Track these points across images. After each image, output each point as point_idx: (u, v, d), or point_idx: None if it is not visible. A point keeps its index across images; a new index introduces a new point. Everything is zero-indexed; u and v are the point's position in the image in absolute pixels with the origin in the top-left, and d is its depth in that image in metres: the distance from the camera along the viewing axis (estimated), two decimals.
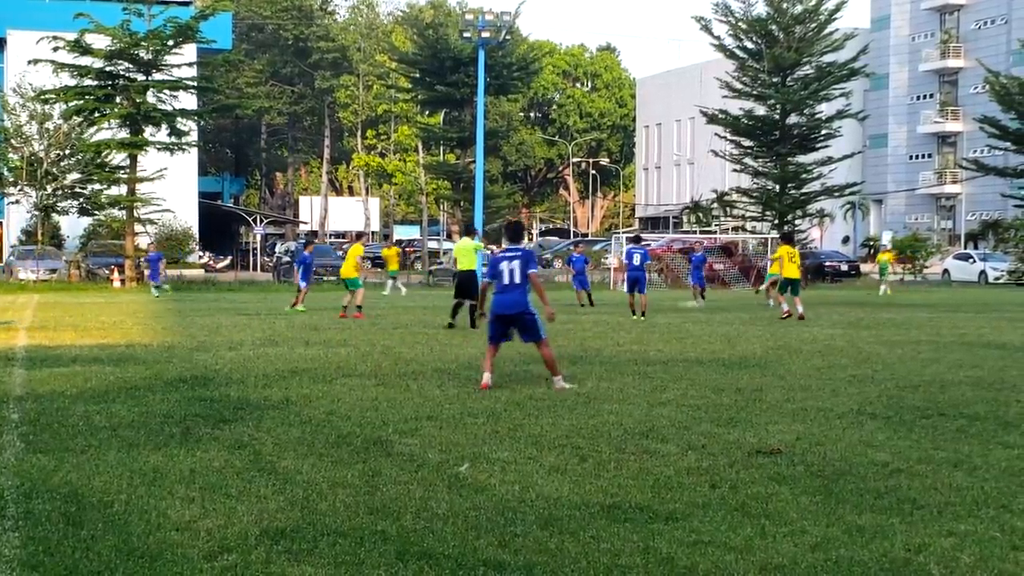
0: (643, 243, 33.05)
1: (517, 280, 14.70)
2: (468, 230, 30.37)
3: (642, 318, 29.11)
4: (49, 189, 58.69)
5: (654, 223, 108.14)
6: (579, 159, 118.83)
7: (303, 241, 46.20)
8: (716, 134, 67.94)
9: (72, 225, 66.11)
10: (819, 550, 7.02)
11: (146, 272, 47.21)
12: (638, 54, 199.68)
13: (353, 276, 29.67)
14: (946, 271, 67.75)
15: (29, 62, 55.29)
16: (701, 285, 39.55)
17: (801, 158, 64.00)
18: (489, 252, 35.98)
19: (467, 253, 27.01)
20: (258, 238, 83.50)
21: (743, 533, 7.39)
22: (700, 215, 72.35)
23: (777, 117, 63.57)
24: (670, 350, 20.20)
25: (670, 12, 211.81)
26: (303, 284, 32.83)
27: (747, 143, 65.13)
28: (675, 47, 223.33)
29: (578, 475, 9.15)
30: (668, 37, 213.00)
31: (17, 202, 60.80)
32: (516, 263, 14.75)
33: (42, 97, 56.77)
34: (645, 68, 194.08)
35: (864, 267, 69.99)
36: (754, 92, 64.09)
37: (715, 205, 68.71)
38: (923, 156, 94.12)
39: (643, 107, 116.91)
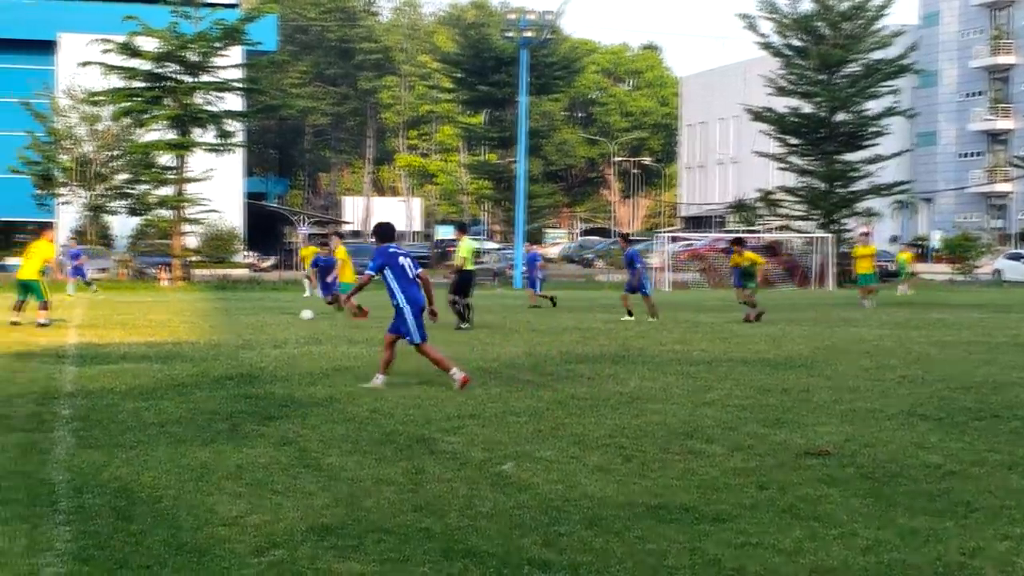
0: (633, 243, 32.94)
1: (413, 275, 14.70)
2: (464, 228, 29.85)
3: (653, 319, 28.31)
4: (99, 189, 59.25)
5: (697, 222, 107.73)
6: (621, 158, 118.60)
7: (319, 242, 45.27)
8: (761, 132, 67.63)
9: (121, 225, 66.61)
10: (871, 553, 6.96)
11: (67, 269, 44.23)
12: (681, 52, 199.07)
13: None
14: (997, 271, 67.06)
15: (79, 64, 55.74)
16: (740, 285, 39.05)
17: (848, 156, 63.55)
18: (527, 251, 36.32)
19: (471, 252, 26.90)
20: (302, 238, 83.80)
21: (792, 535, 7.34)
22: (745, 214, 72.03)
23: (824, 115, 63.17)
24: (714, 350, 20.11)
25: (714, 10, 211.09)
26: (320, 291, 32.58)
27: (793, 141, 64.75)
28: (719, 45, 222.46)
29: (623, 475, 9.14)
30: (712, 35, 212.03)
31: (68, 202, 61.36)
32: (410, 260, 14.85)
33: (92, 99, 57.27)
34: (688, 66, 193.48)
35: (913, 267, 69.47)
36: (800, 90, 63.69)
37: (760, 204, 68.39)
38: (973, 154, 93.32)
39: (686, 105, 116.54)
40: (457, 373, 14.42)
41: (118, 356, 18.27)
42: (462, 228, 29.20)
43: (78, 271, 43.13)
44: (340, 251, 30.31)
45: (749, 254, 29.45)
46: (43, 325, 24.77)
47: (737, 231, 68.04)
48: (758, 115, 64.55)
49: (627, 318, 28.29)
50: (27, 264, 25.82)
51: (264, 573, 6.46)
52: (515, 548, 6.97)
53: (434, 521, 7.60)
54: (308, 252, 43.71)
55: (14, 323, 25.09)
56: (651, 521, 7.67)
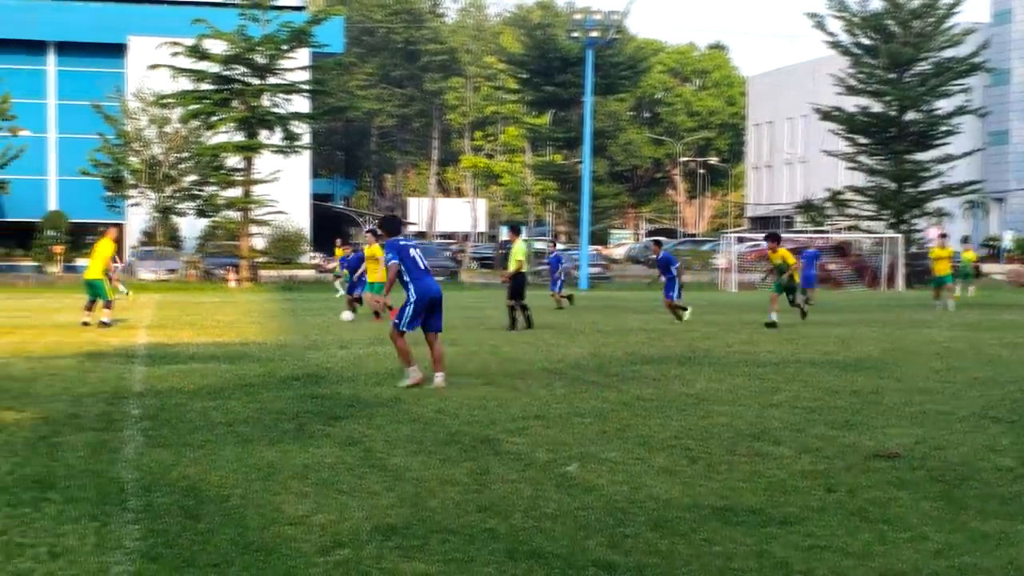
0: (664, 245, 31.97)
1: (426, 265, 14.88)
2: (518, 230, 28.41)
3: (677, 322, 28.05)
4: (168, 191, 59.85)
5: (764, 222, 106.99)
6: (687, 158, 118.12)
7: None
8: (830, 131, 67.12)
9: (190, 226, 67.26)
10: (941, 557, 6.88)
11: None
12: (749, 52, 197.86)
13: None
14: None
15: (149, 67, 56.38)
16: (808, 285, 38.45)
17: (919, 156, 62.97)
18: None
19: (526, 254, 26.56)
20: (367, 238, 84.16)
21: (861, 538, 7.27)
22: (813, 214, 71.50)
23: (894, 114, 62.64)
24: (782, 351, 19.98)
25: (782, 9, 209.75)
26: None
27: (862, 141, 64.25)
28: (787, 44, 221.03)
29: (689, 476, 9.09)
30: (780, 34, 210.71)
31: (138, 204, 62.03)
32: (420, 251, 14.99)
33: (161, 101, 57.89)
34: (756, 66, 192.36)
35: (984, 267, 68.65)
36: (870, 89, 63.16)
37: (828, 204, 67.89)
38: None
39: (754, 105, 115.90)
40: (415, 372, 14.53)
41: (187, 356, 18.44)
42: (515, 229, 28.18)
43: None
44: (374, 249, 29.61)
45: (783, 251, 27.92)
46: (105, 324, 25.03)
47: (805, 231, 67.58)
48: (827, 114, 64.10)
49: (678, 321, 28.15)
50: (91, 264, 26.11)
51: (330, 572, 6.47)
52: (580, 549, 6.95)
53: (499, 522, 7.60)
54: (340, 253, 44.00)
55: (84, 323, 25.39)
56: (718, 523, 7.62)
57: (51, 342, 21.07)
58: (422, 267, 14.72)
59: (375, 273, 27.16)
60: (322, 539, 7.13)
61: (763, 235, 38.05)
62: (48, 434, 10.76)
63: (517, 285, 25.53)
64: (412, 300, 14.59)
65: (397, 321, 14.73)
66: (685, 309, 28.57)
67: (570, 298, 35.13)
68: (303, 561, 6.65)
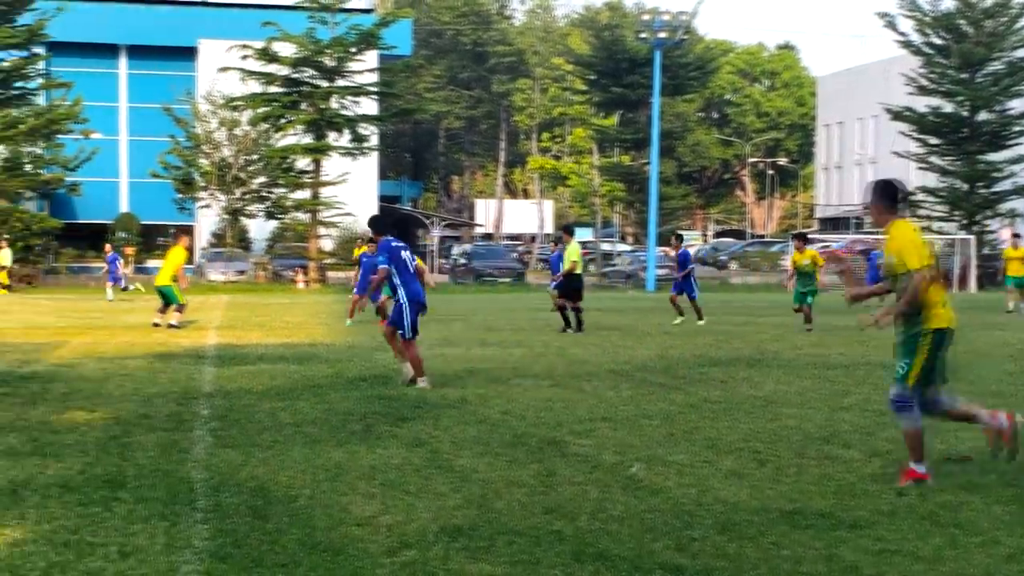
0: (685, 244, 31.00)
1: (415, 270, 14.92)
2: (571, 231, 27.51)
3: (699, 322, 27.89)
4: (237, 193, 60.37)
5: (834, 223, 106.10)
6: (756, 159, 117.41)
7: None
8: (901, 132, 66.50)
9: (259, 228, 67.73)
10: (1014, 561, 6.79)
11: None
12: (819, 52, 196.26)
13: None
14: None
15: (219, 70, 56.93)
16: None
17: (991, 156, 62.20)
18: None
19: (579, 255, 25.98)
20: (435, 241, 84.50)
21: (932, 542, 7.18)
22: None
23: (966, 114, 61.94)
24: (852, 353, 19.82)
25: (853, 8, 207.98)
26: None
27: (933, 141, 63.58)
28: (858, 44, 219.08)
29: (757, 480, 9.03)
30: (851, 34, 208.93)
31: (208, 206, 62.61)
32: (409, 252, 15.00)
33: (231, 104, 58.41)
34: (826, 66, 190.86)
35: None
36: (941, 89, 62.46)
37: (899, 205, 67.19)
38: None
39: (824, 105, 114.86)
40: (408, 371, 14.72)
41: (255, 357, 18.58)
42: (569, 231, 27.29)
43: (114, 277, 43.40)
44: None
45: (811, 252, 26.54)
46: (174, 327, 25.24)
47: (875, 233, 66.91)
48: (897, 115, 63.52)
49: (680, 319, 28.03)
50: (161, 270, 26.35)
51: (397, 573, 6.49)
52: (647, 552, 6.92)
53: (565, 524, 7.58)
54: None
55: (155, 324, 25.66)
56: (786, 527, 7.56)
57: (122, 343, 21.32)
58: (411, 270, 14.87)
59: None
60: (389, 540, 7.15)
61: (836, 237, 37.43)
62: (119, 434, 10.88)
63: (572, 287, 25.41)
64: (406, 304, 14.75)
65: (403, 332, 14.83)
66: (682, 315, 28.35)
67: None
68: (370, 562, 6.67)
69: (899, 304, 8.85)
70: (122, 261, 44.08)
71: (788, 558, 6.83)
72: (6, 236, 53.37)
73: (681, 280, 28.70)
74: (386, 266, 14.68)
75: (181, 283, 26.02)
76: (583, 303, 25.73)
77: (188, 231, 29.68)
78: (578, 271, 25.52)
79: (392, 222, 15.75)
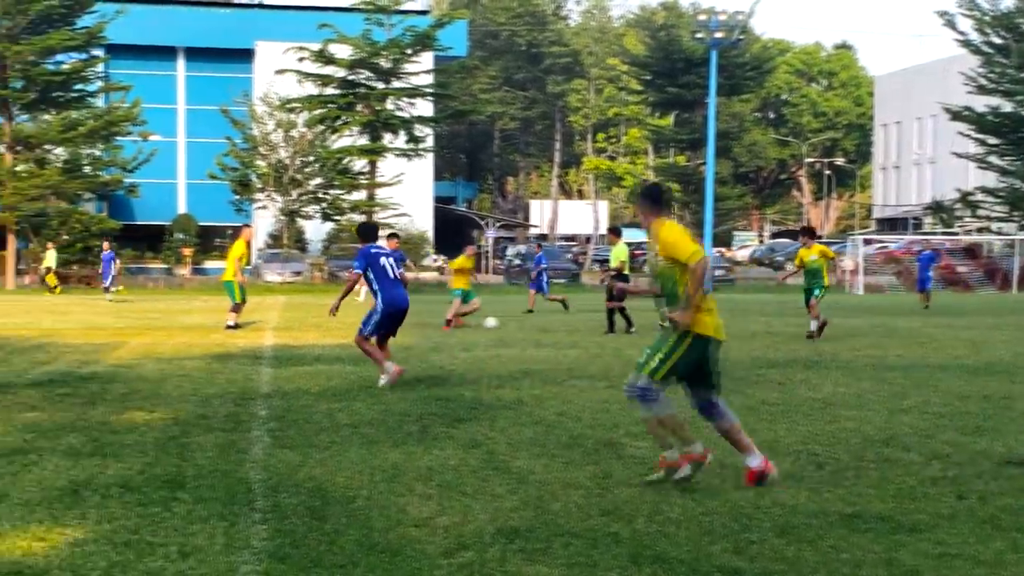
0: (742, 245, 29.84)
1: (397, 275, 15.02)
2: (618, 232, 26.62)
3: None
4: (294, 195, 60.72)
5: (892, 224, 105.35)
6: (813, 159, 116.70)
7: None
8: (960, 132, 65.93)
9: (315, 229, 68.10)
10: None
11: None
12: (876, 51, 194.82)
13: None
14: None
15: (276, 72, 57.30)
16: (923, 288, 37.69)
17: None
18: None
19: (626, 255, 25.36)
20: (490, 241, 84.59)
21: (993, 547, 7.11)
22: (942, 216, 70.24)
23: None
24: (911, 355, 19.66)
25: (911, 8, 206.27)
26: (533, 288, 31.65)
27: (993, 141, 62.98)
28: (916, 43, 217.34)
29: (815, 482, 8.97)
30: (909, 33, 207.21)
31: (264, 207, 63.02)
32: (392, 259, 15.08)
33: (288, 105, 58.77)
34: (884, 65, 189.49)
35: None
36: (1001, 88, 61.88)
37: (958, 205, 66.66)
38: None
39: (881, 105, 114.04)
40: (390, 366, 14.77)
41: (312, 358, 18.67)
42: (616, 232, 26.53)
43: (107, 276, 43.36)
44: (460, 261, 28.83)
45: (819, 247, 24.40)
46: (229, 327, 25.27)
47: (934, 234, 66.44)
48: (956, 114, 62.99)
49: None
50: (226, 265, 26.46)
51: (454, 574, 6.50)
52: (704, 555, 6.90)
53: (622, 526, 7.57)
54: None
55: (228, 326, 25.55)
56: (845, 530, 7.51)
57: (180, 343, 21.48)
58: (392, 276, 14.93)
59: (459, 281, 27.76)
60: (446, 541, 7.16)
61: (894, 238, 36.97)
62: (178, 434, 10.96)
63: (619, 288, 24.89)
64: (379, 309, 14.89)
65: (363, 327, 15.03)
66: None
67: (564, 302, 33.20)
68: (427, 563, 6.69)
69: (689, 300, 8.69)
70: (118, 262, 44.05)
71: (847, 562, 6.78)
72: (64, 237, 53.97)
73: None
74: (359, 272, 14.91)
75: (238, 278, 25.86)
76: (625, 303, 25.43)
77: (249, 226, 29.67)
78: (625, 271, 25.32)
79: (365, 231, 15.73)
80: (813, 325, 23.37)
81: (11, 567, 6.53)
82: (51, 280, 49.86)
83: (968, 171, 76.85)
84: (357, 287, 21.45)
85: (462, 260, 28.33)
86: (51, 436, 10.76)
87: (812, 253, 24.00)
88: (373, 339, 15.13)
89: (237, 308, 25.91)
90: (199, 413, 12.36)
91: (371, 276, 14.91)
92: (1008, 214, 62.28)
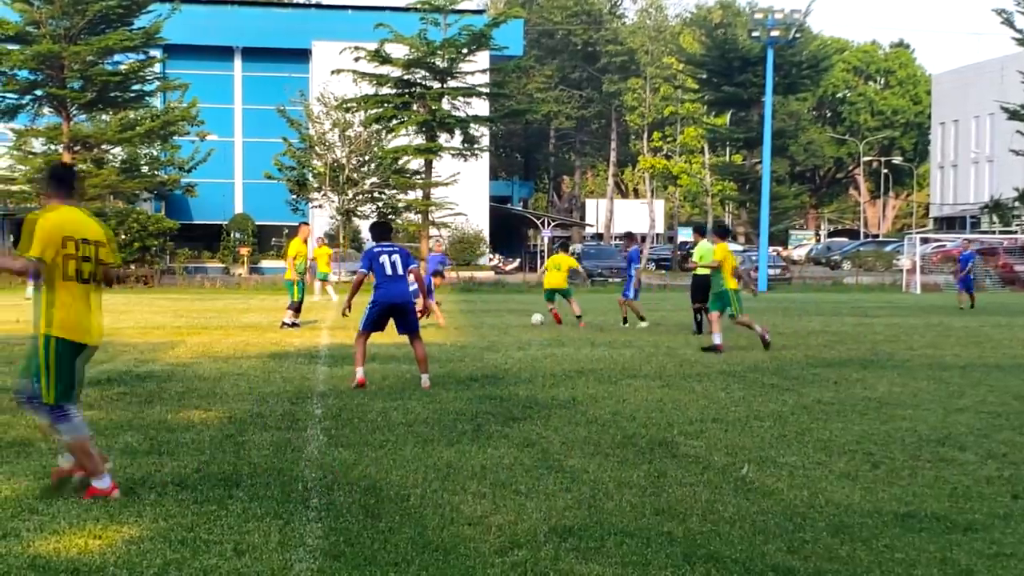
0: (634, 243, 28.55)
1: (400, 272, 14.99)
2: (702, 231, 25.35)
3: (641, 323, 26.55)
4: (350, 194, 60.93)
5: (950, 223, 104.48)
6: (870, 158, 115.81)
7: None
8: (1018, 131, 65.26)
9: None
10: None
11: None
12: (934, 49, 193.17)
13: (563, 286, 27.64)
14: None
15: (332, 72, 57.52)
16: (963, 288, 36.84)
17: None
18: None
19: (710, 255, 24.82)
20: (546, 240, 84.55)
21: None
22: (1000, 214, 69.52)
23: None
24: (967, 354, 19.50)
25: (969, 6, 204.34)
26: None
27: None
28: (974, 41, 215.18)
29: (870, 482, 8.94)
30: (967, 31, 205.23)
31: (320, 207, 63.29)
32: (397, 257, 15.06)
33: (344, 105, 58.99)
34: (941, 63, 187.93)
35: None
36: None
37: (1017, 204, 65.96)
38: None
39: (939, 103, 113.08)
40: (359, 373, 14.91)
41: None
42: (700, 231, 25.38)
43: None
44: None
45: (722, 248, 21.02)
46: (286, 325, 25.35)
47: (992, 232, 65.78)
48: (1014, 113, 62.32)
49: (625, 325, 26.65)
50: (287, 265, 26.60)
51: (507, 573, 6.53)
52: (758, 554, 6.89)
53: (675, 525, 7.57)
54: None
55: (293, 324, 25.59)
56: (899, 529, 7.48)
57: (237, 342, 21.63)
58: (389, 273, 14.99)
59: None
60: (500, 540, 7.19)
61: (951, 237, 36.37)
62: (234, 433, 11.05)
63: (703, 288, 24.39)
64: (370, 303, 15.15)
65: (363, 324, 15.35)
66: (643, 319, 26.77)
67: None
68: (481, 561, 6.72)
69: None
70: None
71: (901, 561, 6.76)
72: (121, 237, 54.33)
73: (626, 281, 27.07)
74: (363, 272, 15.09)
75: (291, 275, 25.84)
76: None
77: (307, 223, 29.71)
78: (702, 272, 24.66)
79: (376, 230, 15.78)
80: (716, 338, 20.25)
81: (68, 565, 6.62)
82: None
83: None
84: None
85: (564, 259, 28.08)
86: (108, 434, 10.87)
87: (710, 258, 21.46)
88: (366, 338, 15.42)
89: (294, 307, 25.97)
90: (255, 412, 12.46)
91: (372, 274, 15.17)
92: None
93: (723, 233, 22.61)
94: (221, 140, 67.97)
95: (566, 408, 12.79)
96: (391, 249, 15.26)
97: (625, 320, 26.85)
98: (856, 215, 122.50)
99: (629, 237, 29.12)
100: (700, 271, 23.06)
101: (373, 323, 15.19)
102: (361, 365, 15.06)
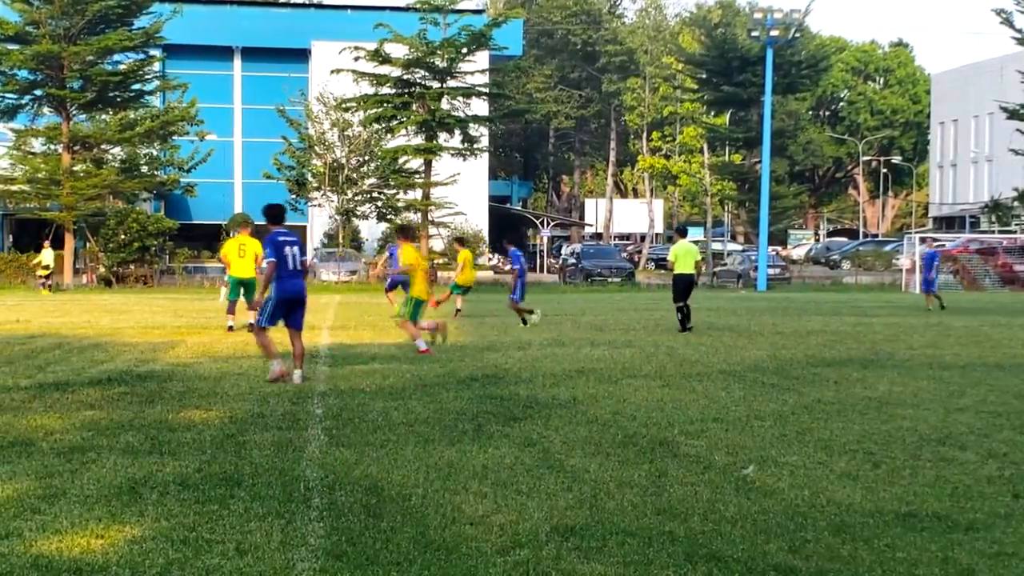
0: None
1: (299, 266, 15.03)
2: (682, 231, 26.99)
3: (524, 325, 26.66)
4: (349, 194, 60.92)
5: (949, 223, 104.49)
6: (870, 157, 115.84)
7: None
8: (1018, 130, 65.28)
9: (370, 229, 68.32)
10: None
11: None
12: (933, 49, 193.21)
13: None
14: None
15: (331, 71, 57.54)
16: (926, 290, 36.16)
17: None
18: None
19: (686, 255, 25.07)
20: (545, 240, 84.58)
21: None
22: (999, 214, 69.54)
23: None
24: (967, 354, 19.51)
25: (968, 5, 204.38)
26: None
27: None
28: (973, 41, 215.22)
29: (871, 481, 8.94)
30: (966, 31, 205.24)
31: (320, 206, 63.29)
32: (296, 249, 15.01)
33: (343, 105, 59.00)
34: (941, 63, 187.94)
35: None
36: None
37: (1016, 204, 66.00)
38: None
39: (938, 103, 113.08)
40: (276, 365, 14.98)
41: (368, 356, 18.74)
42: (683, 232, 26.83)
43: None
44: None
45: (408, 247, 20.35)
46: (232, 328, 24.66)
47: (992, 232, 65.82)
48: (1014, 113, 62.34)
49: (523, 325, 26.62)
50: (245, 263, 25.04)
51: (509, 572, 6.53)
52: (760, 554, 6.89)
53: (677, 525, 7.58)
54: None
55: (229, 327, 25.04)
56: (900, 529, 7.49)
57: (237, 342, 21.60)
58: (291, 267, 14.95)
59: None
60: (501, 539, 7.20)
61: (951, 236, 36.12)
62: (235, 432, 11.05)
63: (685, 286, 24.86)
64: (272, 296, 15.03)
65: (259, 317, 15.23)
66: (532, 312, 26.94)
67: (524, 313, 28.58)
68: (483, 561, 6.72)
69: None
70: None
71: (903, 561, 6.77)
72: (120, 237, 54.35)
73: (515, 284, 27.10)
74: (273, 260, 14.86)
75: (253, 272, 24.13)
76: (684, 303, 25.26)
77: (246, 222, 28.74)
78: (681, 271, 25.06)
79: (271, 213, 15.45)
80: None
81: (70, 564, 6.63)
82: (43, 273, 49.89)
83: None
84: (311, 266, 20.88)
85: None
86: (109, 434, 10.89)
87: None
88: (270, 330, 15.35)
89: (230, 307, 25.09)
90: (256, 411, 12.46)
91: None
92: None
93: (683, 232, 26.48)
94: (220, 140, 67.95)
95: (567, 408, 12.80)
96: (292, 239, 15.18)
97: (524, 322, 26.81)
98: (855, 215, 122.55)
99: (506, 242, 29.87)
100: (681, 270, 24.83)
101: (274, 317, 15.13)
102: (277, 357, 15.15)
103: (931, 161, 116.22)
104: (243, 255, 24.76)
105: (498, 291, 50.27)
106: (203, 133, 59.19)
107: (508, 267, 27.65)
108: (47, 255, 50.07)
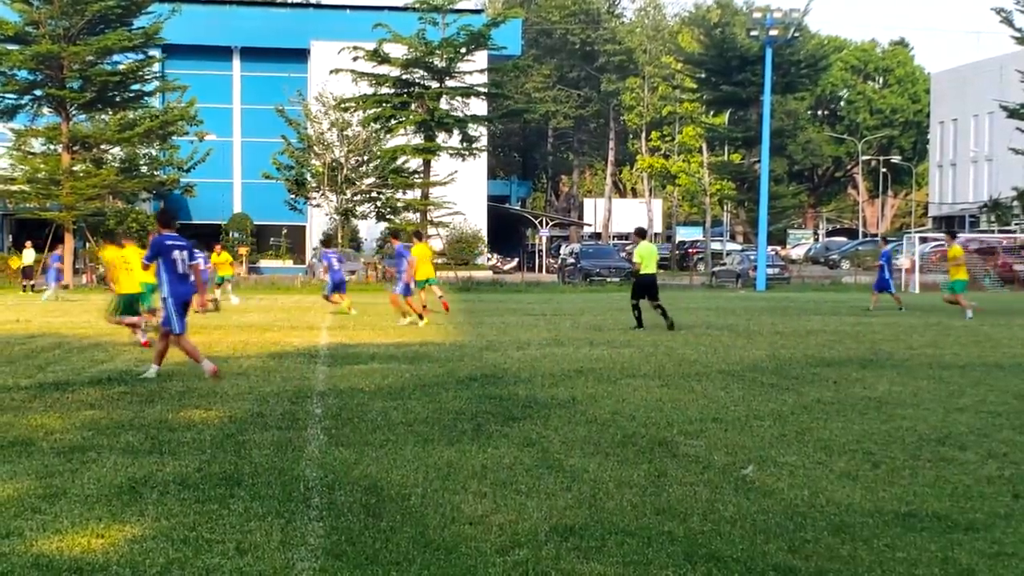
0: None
1: (187, 271, 15.07)
2: (641, 233, 27.69)
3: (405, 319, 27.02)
4: (348, 194, 60.94)
5: (948, 222, 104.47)
6: (869, 157, 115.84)
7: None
8: (1018, 129, 65.28)
9: (369, 229, 68.34)
10: None
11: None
12: (933, 48, 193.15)
13: None
14: None
15: (330, 71, 57.56)
16: (877, 289, 35.10)
17: None
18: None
19: (651, 256, 25.98)
20: (544, 240, 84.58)
21: None
22: (999, 214, 69.57)
23: None
24: (967, 354, 19.50)
25: (968, 4, 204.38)
26: None
27: None
28: (973, 40, 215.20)
29: (870, 481, 8.95)
30: (966, 30, 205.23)
31: (319, 206, 63.30)
32: (186, 253, 15.04)
33: (342, 105, 59.03)
34: (940, 62, 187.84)
35: None
36: None
37: (1016, 203, 66.03)
38: None
39: (938, 102, 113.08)
40: (207, 364, 15.06)
41: (367, 356, 18.74)
42: (644, 233, 27.78)
43: (59, 276, 42.94)
44: (418, 248, 28.36)
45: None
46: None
47: (991, 231, 65.82)
48: (1013, 112, 62.34)
49: (417, 321, 26.88)
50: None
51: (508, 572, 6.54)
52: (759, 554, 6.90)
53: (676, 524, 7.58)
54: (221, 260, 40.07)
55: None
56: (900, 529, 7.49)
57: (236, 342, 21.62)
58: (180, 272, 15.00)
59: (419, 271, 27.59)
60: (501, 539, 7.20)
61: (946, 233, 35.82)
62: (234, 432, 11.06)
63: (646, 286, 25.68)
64: (166, 297, 15.09)
65: (168, 327, 15.21)
66: (408, 315, 27.08)
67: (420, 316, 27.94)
68: (482, 560, 6.73)
69: None
70: (63, 263, 43.83)
71: (902, 561, 6.77)
72: (65, 238, 54.22)
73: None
74: (148, 263, 15.00)
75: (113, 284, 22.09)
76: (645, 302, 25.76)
77: (114, 236, 27.88)
78: (649, 270, 25.86)
79: (164, 218, 15.63)
80: None
81: (70, 564, 6.64)
82: (13, 266, 49.84)
83: None
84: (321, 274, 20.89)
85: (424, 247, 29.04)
86: (109, 434, 10.89)
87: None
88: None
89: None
90: (255, 411, 12.47)
91: (160, 267, 15.04)
92: None
93: (642, 234, 27.54)
94: (220, 140, 68.04)
95: (566, 407, 12.80)
96: (181, 244, 15.19)
97: (422, 317, 27.01)
98: (855, 214, 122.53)
99: (395, 236, 29.78)
100: (647, 271, 25.84)
101: (183, 320, 15.23)
102: (203, 358, 15.26)
103: (930, 160, 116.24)
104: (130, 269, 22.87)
105: (496, 291, 50.28)
106: (202, 133, 59.23)
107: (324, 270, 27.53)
108: (28, 255, 49.96)
